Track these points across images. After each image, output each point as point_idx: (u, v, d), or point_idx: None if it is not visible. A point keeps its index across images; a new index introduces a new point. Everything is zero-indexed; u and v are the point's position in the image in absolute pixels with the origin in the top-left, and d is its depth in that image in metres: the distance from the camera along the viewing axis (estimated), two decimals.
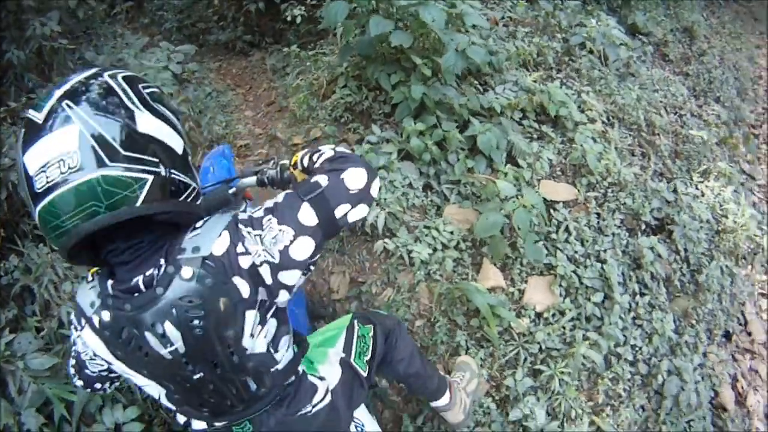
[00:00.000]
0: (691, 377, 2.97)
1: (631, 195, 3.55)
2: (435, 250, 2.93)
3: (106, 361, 1.25)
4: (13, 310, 2.75)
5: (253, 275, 1.12)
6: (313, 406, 1.41)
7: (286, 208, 1.15)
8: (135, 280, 1.11)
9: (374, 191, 1.25)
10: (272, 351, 1.26)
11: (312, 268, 1.20)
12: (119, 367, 1.22)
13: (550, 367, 2.71)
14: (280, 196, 1.18)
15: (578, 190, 3.46)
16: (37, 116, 1.01)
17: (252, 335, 1.17)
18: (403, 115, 3.21)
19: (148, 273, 1.11)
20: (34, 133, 0.99)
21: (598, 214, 3.42)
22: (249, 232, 1.12)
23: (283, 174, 1.67)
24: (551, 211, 3.24)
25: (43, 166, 0.97)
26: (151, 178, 1.04)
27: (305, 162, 1.47)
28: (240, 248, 1.11)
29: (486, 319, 2.66)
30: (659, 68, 5.41)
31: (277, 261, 1.12)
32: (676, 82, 5.30)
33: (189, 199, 1.14)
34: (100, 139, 0.99)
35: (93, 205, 0.99)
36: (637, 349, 2.99)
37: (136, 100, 1.07)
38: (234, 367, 1.18)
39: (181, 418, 1.40)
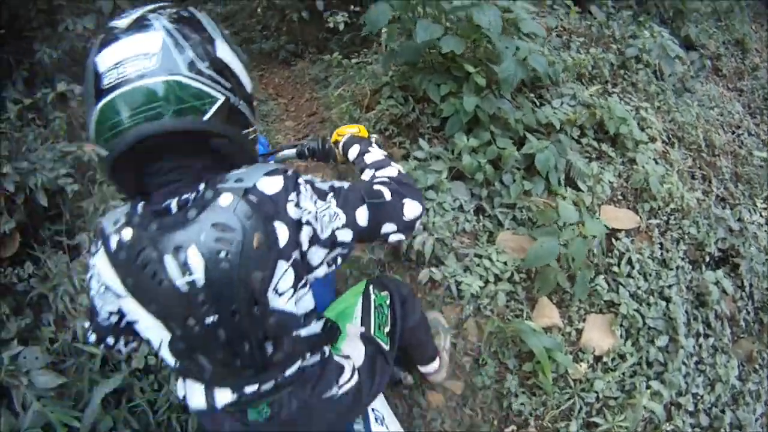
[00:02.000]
0: (754, 430, 2.67)
1: (695, 223, 3.24)
2: (487, 282, 2.62)
3: (116, 294, 1.11)
4: (28, 319, 2.62)
5: (295, 229, 1.07)
6: (340, 388, 1.30)
7: (349, 198, 1.16)
8: (168, 202, 1.06)
9: (417, 225, 1.27)
10: (296, 314, 1.14)
11: (337, 262, 1.18)
12: (127, 302, 1.10)
13: (607, 419, 2.41)
14: (345, 184, 1.19)
15: (640, 217, 3.14)
16: (120, 23, 1.03)
17: (278, 291, 1.08)
18: (454, 130, 2.89)
19: (183, 197, 1.06)
20: (113, 36, 1.01)
21: (661, 244, 3.10)
22: (308, 190, 1.11)
23: (324, 145, 1.66)
24: (612, 240, 2.92)
25: (117, 63, 0.98)
26: (222, 99, 1.05)
27: (352, 153, 1.52)
28: (293, 197, 1.07)
29: (541, 363, 2.35)
30: (713, 83, 5.08)
31: (322, 235, 1.11)
32: (731, 98, 4.97)
33: (248, 138, 1.15)
34: (180, 49, 1.02)
35: (160, 106, 0.98)
36: (698, 397, 2.68)
37: (217, 31, 1.12)
38: (253, 319, 1.07)
39: (180, 390, 1.27)
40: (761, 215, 3.62)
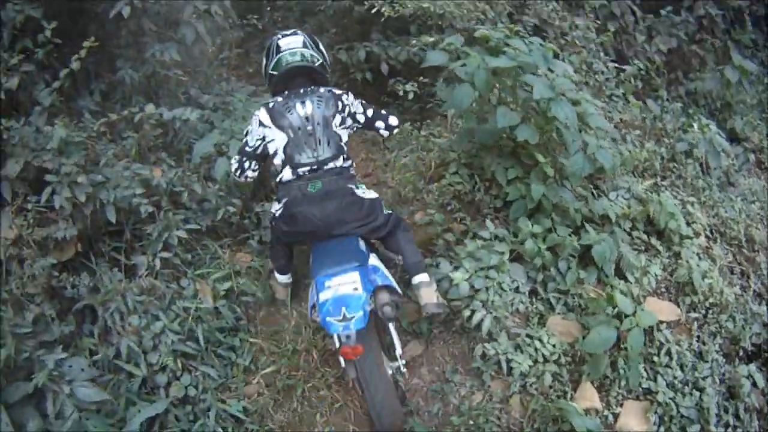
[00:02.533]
0: None
1: (732, 318, 3.41)
2: (536, 362, 2.84)
3: (264, 126, 2.77)
4: (71, 326, 2.81)
5: (344, 104, 2.85)
6: (353, 193, 2.72)
7: (366, 104, 3.01)
8: (299, 90, 2.84)
9: (395, 132, 3.15)
10: (342, 140, 2.83)
11: (351, 125, 2.91)
12: (269, 130, 2.76)
13: None
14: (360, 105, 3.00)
15: (681, 310, 3.33)
16: (287, 33, 2.97)
17: (335, 124, 2.79)
18: (518, 214, 3.14)
19: (302, 90, 2.83)
20: (283, 35, 2.95)
21: (699, 337, 3.28)
22: (350, 95, 2.94)
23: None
24: (654, 331, 3.11)
25: (289, 44, 2.88)
26: (321, 60, 2.95)
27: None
28: (346, 94, 2.90)
29: None
30: (756, 177, 5.24)
31: (352, 109, 2.91)
32: None
33: (326, 76, 3.00)
34: (309, 42, 2.93)
35: (303, 57, 2.88)
36: None
37: (315, 38, 3.00)
38: (326, 132, 2.74)
39: (285, 172, 2.73)
40: None
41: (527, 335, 2.92)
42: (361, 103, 2.92)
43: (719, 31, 5.76)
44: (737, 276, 3.90)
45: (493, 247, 3.01)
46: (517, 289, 3.01)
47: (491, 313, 2.85)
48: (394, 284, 2.59)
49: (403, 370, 2.65)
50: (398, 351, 2.62)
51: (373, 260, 2.64)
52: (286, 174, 2.69)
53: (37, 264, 2.80)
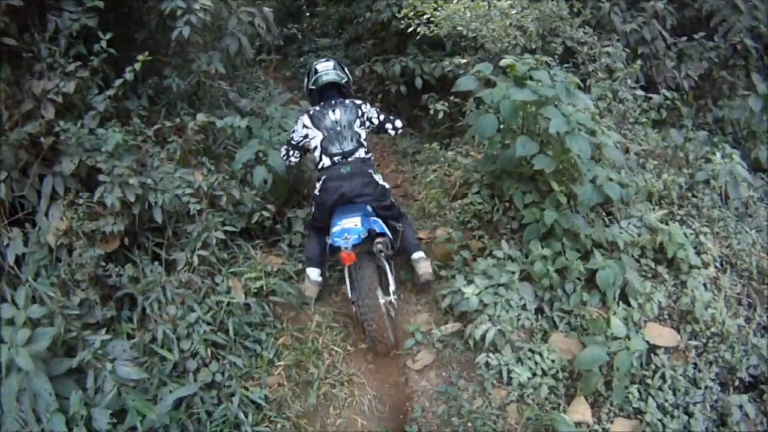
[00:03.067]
0: None
1: (731, 348, 3.54)
2: (534, 374, 3.07)
3: (307, 127, 3.70)
4: (112, 311, 3.19)
5: (362, 110, 3.77)
6: (371, 175, 3.60)
7: (379, 111, 3.89)
8: (330, 102, 3.79)
9: (400, 132, 3.98)
10: (362, 139, 3.71)
11: (367, 125, 3.78)
12: (311, 130, 3.68)
13: None
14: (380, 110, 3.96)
15: (681, 337, 3.48)
16: (321, 60, 4.14)
17: (356, 126, 3.70)
18: (531, 236, 3.37)
19: (333, 102, 3.78)
20: (319, 61, 4.07)
21: (695, 365, 3.43)
22: (368, 104, 3.86)
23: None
24: (651, 355, 3.29)
25: (324, 67, 3.96)
26: (346, 79, 3.99)
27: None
28: (364, 104, 3.83)
29: None
30: None
31: (368, 114, 3.80)
32: None
33: (351, 91, 4.09)
34: (337, 65, 4.02)
35: (336, 74, 3.94)
36: None
37: (342, 64, 4.13)
38: (350, 131, 3.66)
39: (324, 160, 3.63)
40: None
41: (529, 349, 3.15)
42: (376, 111, 3.85)
43: (752, 59, 5.78)
44: (744, 307, 4.01)
45: (504, 266, 3.26)
46: (524, 307, 3.24)
47: (497, 326, 3.09)
48: (388, 233, 3.50)
49: (394, 302, 3.49)
50: (392, 287, 3.51)
51: (376, 219, 3.54)
52: (325, 161, 3.63)
53: (85, 254, 3.16)
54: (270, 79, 6.41)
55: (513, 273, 3.21)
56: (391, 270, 3.56)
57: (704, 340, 3.53)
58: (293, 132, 3.76)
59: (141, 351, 3.04)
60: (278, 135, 4.15)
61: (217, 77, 4.38)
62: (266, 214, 3.81)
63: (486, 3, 4.69)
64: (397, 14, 5.09)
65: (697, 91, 5.74)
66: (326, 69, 3.89)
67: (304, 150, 3.83)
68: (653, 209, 4.00)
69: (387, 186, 3.68)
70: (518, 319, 3.21)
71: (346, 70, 4.02)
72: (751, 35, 5.83)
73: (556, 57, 4.69)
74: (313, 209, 3.70)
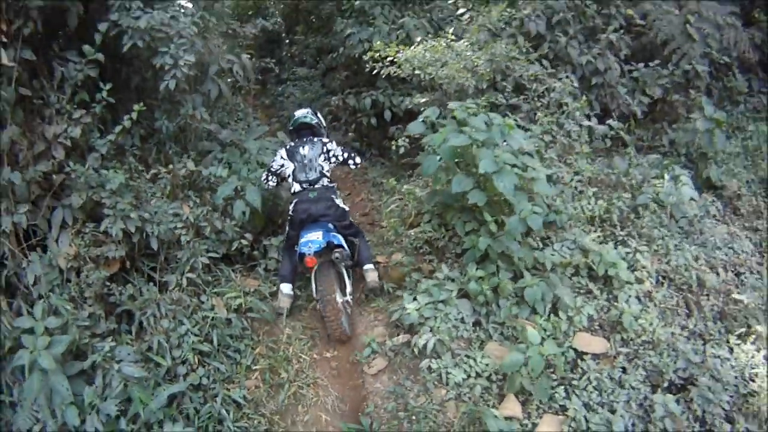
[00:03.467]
0: None
1: (660, 354, 3.98)
2: (469, 376, 3.60)
3: (283, 158, 4.55)
4: (113, 324, 3.79)
5: (328, 147, 4.57)
6: (333, 200, 4.40)
7: (342, 148, 4.64)
8: (304, 139, 4.63)
9: (359, 165, 4.76)
10: (325, 171, 4.49)
11: (331, 162, 4.57)
12: (286, 161, 4.53)
13: None
14: (344, 148, 4.73)
15: (612, 345, 3.96)
16: (300, 109, 5.07)
17: (321, 160, 4.50)
18: (469, 260, 3.93)
19: (306, 138, 4.63)
20: (299, 109, 4.99)
21: (624, 369, 3.89)
22: (333, 142, 4.66)
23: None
24: (579, 360, 3.77)
25: (301, 113, 4.84)
26: (317, 121, 4.82)
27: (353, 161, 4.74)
28: (329, 142, 4.64)
29: None
30: (728, 223, 5.65)
31: (332, 151, 4.57)
32: (742, 237, 5.46)
33: (323, 130, 4.92)
34: (311, 111, 4.91)
35: (309, 117, 4.79)
36: None
37: (316, 111, 5.05)
38: (315, 164, 4.48)
39: (295, 186, 4.44)
40: (732, 351, 4.27)
41: (466, 355, 3.69)
42: (340, 149, 4.64)
43: (703, 83, 6.23)
44: (682, 317, 4.45)
45: (444, 285, 3.82)
46: (462, 320, 3.79)
47: (436, 336, 3.63)
48: (345, 246, 4.28)
49: (350, 301, 4.33)
50: (348, 289, 4.34)
51: (336, 234, 4.33)
52: (296, 187, 4.48)
53: (92, 275, 3.76)
54: (249, 107, 7.09)
55: (451, 291, 3.78)
56: (348, 276, 4.38)
57: (635, 348, 3.98)
58: (273, 161, 4.61)
59: (141, 359, 3.61)
60: (254, 172, 4.82)
61: (201, 119, 4.97)
62: (244, 242, 4.49)
63: (444, 45, 5.27)
64: (368, 50, 5.67)
65: (653, 115, 6.20)
66: (302, 113, 4.82)
67: (281, 177, 4.63)
68: (588, 232, 4.50)
69: (347, 208, 4.56)
70: (457, 330, 3.75)
71: (319, 115, 4.95)
72: (704, 61, 6.29)
73: (507, 94, 5.21)
74: (287, 227, 4.52)
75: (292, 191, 4.48)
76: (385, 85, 6.24)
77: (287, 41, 10.76)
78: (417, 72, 5.13)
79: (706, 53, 6.32)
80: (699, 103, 5.82)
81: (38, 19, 3.92)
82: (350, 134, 7.32)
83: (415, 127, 4.11)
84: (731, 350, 4.16)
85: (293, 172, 4.48)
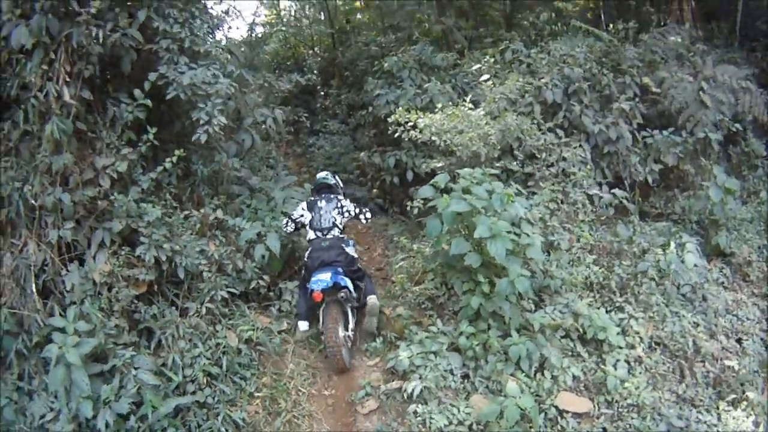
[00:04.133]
0: None
1: (643, 418, 4.13)
2: (451, 423, 3.87)
3: (304, 210, 5.21)
4: (135, 337, 4.24)
5: (342, 203, 5.27)
6: (343, 248, 5.00)
7: (353, 204, 5.35)
8: (322, 195, 5.34)
9: (369, 221, 5.66)
10: (338, 223, 5.13)
11: (345, 216, 5.22)
12: (306, 212, 5.19)
13: None
14: (356, 205, 5.44)
15: (595, 406, 4.16)
16: (321, 172, 5.84)
17: (335, 213, 5.16)
18: (463, 317, 4.30)
19: (323, 194, 5.36)
20: (321, 172, 5.89)
21: (605, 429, 4.07)
22: (347, 198, 5.45)
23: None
24: (560, 418, 3.99)
25: (324, 176, 5.63)
26: (335, 182, 5.64)
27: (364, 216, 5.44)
28: (344, 199, 5.36)
29: None
30: (736, 290, 5.71)
31: (345, 206, 5.26)
32: (749, 304, 5.50)
33: (339, 189, 5.69)
34: (330, 173, 5.74)
35: (328, 178, 5.60)
36: None
37: (335, 175, 5.86)
38: (329, 216, 5.13)
39: (311, 234, 5.09)
40: (720, 417, 4.37)
41: (451, 404, 3.97)
42: (353, 205, 5.36)
43: (714, 152, 6.40)
44: (673, 383, 4.60)
45: (437, 338, 4.16)
46: (451, 371, 4.11)
47: (424, 383, 3.96)
48: (350, 287, 4.82)
49: (351, 336, 4.85)
50: (350, 326, 4.88)
51: (344, 277, 4.84)
52: (311, 235, 5.12)
53: (121, 292, 4.22)
54: (281, 156, 7.75)
55: (443, 344, 4.14)
56: (352, 315, 4.96)
57: (619, 410, 4.15)
58: (295, 210, 5.30)
59: (160, 372, 4.04)
60: (277, 219, 5.43)
61: (232, 167, 5.49)
62: (262, 282, 4.99)
63: (462, 113, 5.66)
64: (393, 112, 6.06)
65: (666, 182, 6.37)
66: (323, 175, 5.67)
67: (300, 224, 5.25)
68: (583, 297, 4.73)
69: (355, 256, 5.25)
70: (445, 380, 4.07)
71: (337, 177, 5.85)
72: (717, 129, 6.45)
73: (518, 162, 5.56)
74: (303, 270, 5.10)
75: (309, 238, 5.11)
76: (410, 146, 6.63)
77: (322, 93, 11.38)
78: (434, 138, 5.55)
79: (720, 120, 6.46)
80: (711, 171, 5.95)
81: (97, 63, 4.48)
82: (374, 191, 7.77)
83: (425, 191, 4.52)
84: (719, 416, 4.24)
85: (310, 221, 5.12)
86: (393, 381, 4.31)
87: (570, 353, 4.40)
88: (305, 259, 5.01)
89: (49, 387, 3.67)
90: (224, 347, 4.35)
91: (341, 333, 4.60)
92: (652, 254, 5.18)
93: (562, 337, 4.43)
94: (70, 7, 4.28)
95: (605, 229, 5.60)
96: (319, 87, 11.77)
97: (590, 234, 5.34)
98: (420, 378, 4.03)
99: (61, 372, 3.56)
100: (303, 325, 4.84)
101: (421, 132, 5.62)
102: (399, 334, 4.70)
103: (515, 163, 5.53)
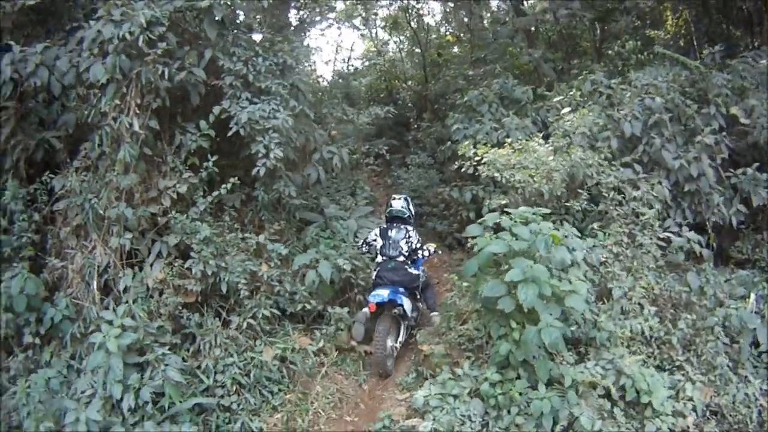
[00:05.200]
0: None
1: None
2: None
3: (377, 235, 5.86)
4: (177, 339, 4.61)
5: (409, 235, 5.77)
6: (408, 271, 5.67)
7: (420, 239, 5.89)
8: (394, 224, 5.88)
9: (432, 255, 6.17)
10: (404, 251, 5.71)
11: (412, 247, 5.75)
12: (378, 238, 5.82)
13: None
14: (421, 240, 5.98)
15: None
16: (396, 196, 6.19)
17: (402, 242, 5.73)
18: (492, 362, 4.13)
19: (395, 225, 5.88)
20: (395, 199, 6.11)
21: None
22: (415, 231, 5.91)
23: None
24: None
25: (396, 204, 6.00)
26: (408, 213, 6.02)
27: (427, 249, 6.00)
28: (413, 231, 5.87)
29: None
30: None
31: (413, 238, 5.77)
32: None
33: (411, 219, 6.07)
34: (405, 202, 6.06)
35: (401, 210, 5.96)
36: None
37: (408, 200, 6.18)
38: (397, 244, 5.73)
39: (380, 257, 5.72)
40: None
41: None
42: (418, 238, 5.88)
43: None
44: None
45: (461, 381, 4.03)
46: (469, 417, 3.95)
47: (434, 426, 3.91)
48: (405, 307, 5.31)
49: (397, 347, 5.36)
50: (400, 338, 5.44)
51: (404, 295, 5.42)
52: (379, 259, 5.73)
53: (170, 299, 4.63)
54: (366, 185, 8.09)
55: (464, 388, 3.99)
56: (405, 331, 5.56)
57: None
58: (369, 235, 6.02)
59: (188, 372, 4.40)
60: (331, 248, 5.87)
61: (290, 196, 5.78)
62: (309, 306, 5.21)
63: (530, 148, 5.49)
64: (472, 146, 6.04)
65: (755, 224, 5.72)
66: (398, 206, 6.01)
67: (370, 246, 5.90)
68: (636, 352, 4.37)
69: (418, 273, 5.77)
70: (461, 426, 3.91)
71: (411, 205, 6.16)
72: None
73: (581, 202, 5.28)
74: (372, 287, 5.69)
75: (377, 261, 5.76)
76: (488, 182, 6.53)
77: (415, 126, 11.57)
78: (495, 174, 5.47)
79: None
80: None
81: (166, 96, 4.91)
82: (455, 225, 7.77)
83: (472, 230, 4.38)
84: None
85: (381, 247, 5.76)
86: (414, 418, 4.25)
87: (605, 415, 4.05)
88: (373, 277, 5.67)
89: (88, 366, 4.14)
90: (258, 361, 4.59)
91: (389, 343, 5.17)
92: (726, 308, 4.69)
93: (600, 396, 4.09)
94: (139, 47, 4.70)
95: (675, 277, 5.11)
96: (412, 120, 12.06)
97: (656, 282, 4.91)
98: (433, 420, 3.94)
99: (100, 356, 4.03)
100: (359, 329, 5.31)
101: (488, 167, 5.56)
102: (433, 372, 4.64)
103: (579, 201, 5.25)
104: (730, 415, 4.29)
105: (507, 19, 11.34)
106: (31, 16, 5.28)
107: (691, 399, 4.22)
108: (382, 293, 5.18)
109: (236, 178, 5.08)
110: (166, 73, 4.77)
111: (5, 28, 5.05)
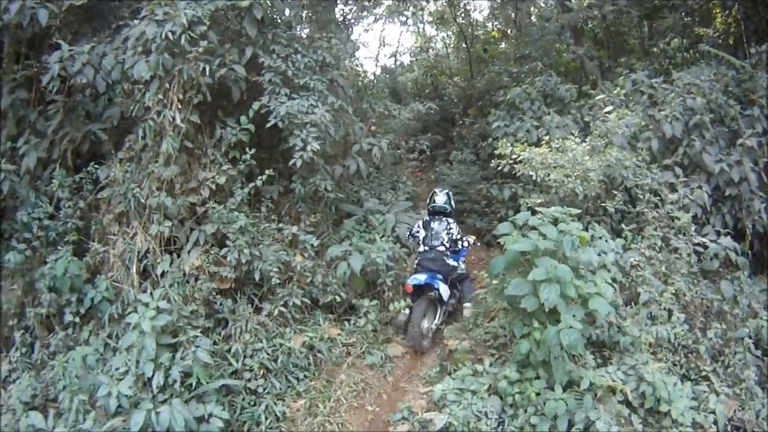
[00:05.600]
0: None
1: None
2: None
3: (420, 227, 6.16)
4: (210, 324, 4.86)
5: (449, 228, 6.04)
6: (446, 261, 5.90)
7: (459, 230, 6.17)
8: (436, 217, 6.17)
9: (470, 247, 6.48)
10: (444, 242, 5.96)
11: (452, 237, 6.00)
12: (421, 230, 6.11)
13: None
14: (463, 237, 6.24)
15: None
16: (438, 190, 6.46)
17: (443, 233, 6.00)
18: (512, 361, 4.18)
19: (437, 217, 6.18)
20: (438, 192, 6.38)
21: None
22: (455, 223, 6.17)
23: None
24: None
25: (439, 198, 6.26)
26: (450, 208, 6.26)
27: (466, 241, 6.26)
28: (453, 223, 6.13)
29: None
30: None
31: (453, 230, 6.03)
32: None
33: (452, 214, 6.34)
34: (446, 197, 6.28)
35: (443, 204, 6.20)
36: None
37: (450, 195, 6.39)
38: (438, 235, 6.00)
39: (422, 247, 6.00)
40: None
41: None
42: (458, 230, 6.12)
43: None
44: None
45: (480, 378, 4.09)
46: (486, 414, 4.01)
47: (451, 416, 4.00)
48: (441, 291, 5.60)
49: (433, 328, 5.69)
50: (436, 321, 5.77)
51: (439, 282, 5.65)
52: (422, 248, 6.00)
53: (205, 284, 4.83)
54: (408, 180, 8.36)
55: (483, 384, 4.04)
56: (442, 314, 5.88)
57: None
58: (413, 226, 6.32)
59: (218, 355, 4.65)
60: (366, 242, 6.04)
61: (326, 189, 5.90)
62: (339, 298, 5.39)
63: (567, 147, 5.45)
64: (512, 144, 5.99)
65: None
66: (439, 200, 6.24)
67: (415, 238, 6.16)
68: (661, 360, 4.33)
69: (455, 264, 6.02)
70: (477, 422, 3.97)
71: (452, 200, 6.36)
72: None
73: (616, 203, 5.20)
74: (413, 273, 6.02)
75: (419, 251, 6.05)
76: (527, 180, 6.43)
77: (460, 122, 11.52)
78: (531, 173, 5.45)
79: None
80: None
81: (207, 92, 5.08)
82: (494, 222, 7.63)
83: (503, 228, 4.45)
84: None
85: (423, 237, 6.05)
86: (432, 411, 4.34)
87: (621, 421, 4.00)
88: (415, 264, 6.04)
89: (123, 344, 4.43)
90: (286, 347, 4.78)
91: (425, 324, 5.58)
92: (760, 318, 4.58)
93: (619, 402, 4.07)
94: (182, 46, 4.90)
95: (708, 284, 5.00)
96: (457, 115, 12.02)
97: (688, 288, 4.82)
98: (449, 414, 4.02)
99: (135, 336, 4.29)
100: (401, 319, 5.68)
101: (524, 166, 5.56)
102: (456, 367, 4.71)
103: (615, 202, 5.18)
104: (753, 431, 4.21)
105: (553, 15, 11.06)
106: (79, 15, 5.59)
107: (713, 412, 4.17)
108: (420, 277, 5.54)
109: (273, 170, 5.25)
110: (207, 69, 4.95)
111: (54, 26, 5.32)
